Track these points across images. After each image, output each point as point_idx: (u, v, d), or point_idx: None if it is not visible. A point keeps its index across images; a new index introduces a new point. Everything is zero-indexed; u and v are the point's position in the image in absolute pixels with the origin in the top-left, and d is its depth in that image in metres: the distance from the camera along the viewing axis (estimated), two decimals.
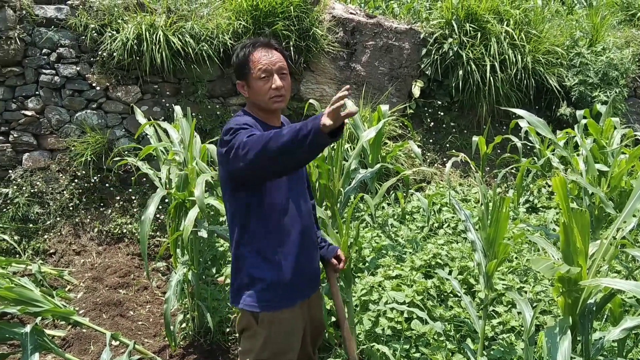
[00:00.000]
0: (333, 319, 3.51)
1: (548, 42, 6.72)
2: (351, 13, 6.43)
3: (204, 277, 4.31)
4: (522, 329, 3.24)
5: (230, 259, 4.64)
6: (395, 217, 5.12)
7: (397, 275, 3.74)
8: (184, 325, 3.91)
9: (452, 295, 3.76)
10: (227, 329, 3.88)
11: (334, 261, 2.71)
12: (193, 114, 5.32)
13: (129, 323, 4.21)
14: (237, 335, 3.82)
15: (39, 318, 3.47)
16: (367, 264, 4.01)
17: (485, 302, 3.01)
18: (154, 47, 5.42)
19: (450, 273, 3.90)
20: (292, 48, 5.84)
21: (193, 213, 3.06)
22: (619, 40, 7.05)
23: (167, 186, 4.26)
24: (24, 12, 5.52)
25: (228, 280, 4.13)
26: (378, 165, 4.17)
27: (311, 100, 4.93)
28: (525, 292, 3.74)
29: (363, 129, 4.78)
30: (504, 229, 2.83)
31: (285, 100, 2.35)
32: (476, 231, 3.11)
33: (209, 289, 4.04)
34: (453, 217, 5.05)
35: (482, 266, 3.00)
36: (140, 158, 4.05)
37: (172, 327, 3.46)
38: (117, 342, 3.77)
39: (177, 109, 3.93)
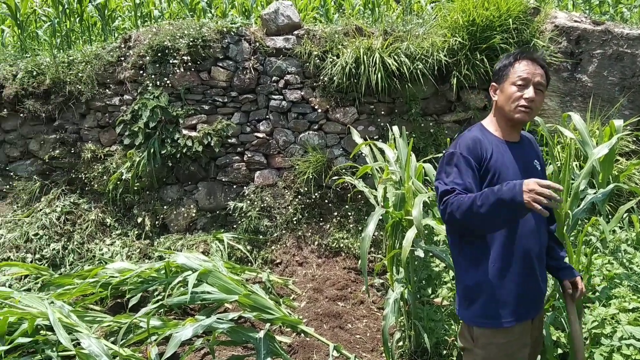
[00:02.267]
0: (559, 350, 3.28)
1: None
2: (575, 21, 5.99)
3: (419, 296, 4.32)
4: None
5: (445, 279, 4.60)
6: (629, 242, 4.61)
7: (635, 309, 3.36)
8: (400, 343, 3.96)
9: None
10: (444, 352, 3.84)
11: (568, 284, 2.54)
12: (407, 133, 5.41)
13: (347, 335, 4.39)
14: (453, 358, 3.79)
15: (268, 324, 3.80)
16: (597, 294, 3.67)
17: None
18: (370, 69, 5.63)
19: None
20: None
21: (411, 233, 3.10)
22: None
23: (383, 204, 4.39)
24: (257, 44, 6.13)
25: (445, 302, 4.11)
26: (611, 186, 3.79)
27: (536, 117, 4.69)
28: None
29: (592, 146, 4.40)
30: None
31: (531, 116, 2.35)
32: None
33: (425, 309, 4.04)
34: None
35: None
36: (357, 177, 4.22)
37: (389, 344, 3.52)
38: (338, 354, 3.96)
39: (395, 128, 4.03)
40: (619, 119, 5.11)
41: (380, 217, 3.56)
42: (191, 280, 3.18)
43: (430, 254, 3.88)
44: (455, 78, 5.73)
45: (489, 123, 2.46)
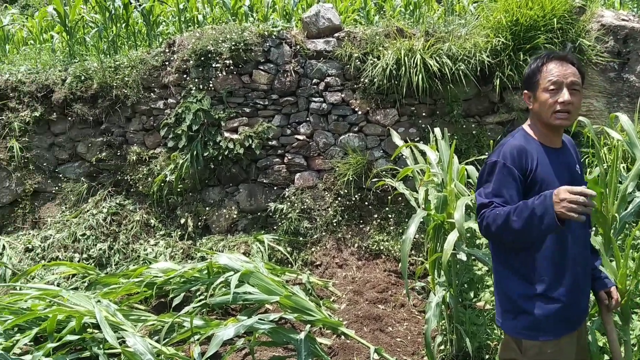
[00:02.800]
0: (606, 357, 3.19)
1: None
2: (623, 19, 5.82)
3: (461, 300, 4.27)
4: None
5: (487, 283, 4.53)
6: None
7: None
8: (442, 347, 3.92)
9: None
10: (487, 356, 3.78)
11: (603, 295, 2.46)
12: (448, 134, 5.35)
13: (388, 338, 4.36)
14: None
15: (309, 326, 3.81)
16: None
17: None
18: (411, 70, 5.60)
19: None
20: None
21: (453, 236, 3.06)
22: None
23: (424, 207, 4.35)
24: (297, 47, 6.17)
25: (488, 306, 4.05)
26: None
27: (580, 118, 4.57)
28: None
29: None
30: None
31: (572, 119, 2.26)
32: None
33: (467, 313, 3.99)
34: None
35: None
36: (398, 179, 4.20)
37: (431, 348, 3.49)
38: (379, 357, 3.94)
39: (437, 130, 3.99)
40: None
41: (422, 220, 3.53)
42: (233, 280, 3.21)
43: (473, 257, 3.82)
44: (499, 79, 5.65)
45: (530, 129, 2.36)
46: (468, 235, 4.51)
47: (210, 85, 6.13)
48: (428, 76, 5.63)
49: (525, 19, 5.53)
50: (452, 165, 3.54)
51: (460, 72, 5.58)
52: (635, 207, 3.59)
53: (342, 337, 4.27)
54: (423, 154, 5.16)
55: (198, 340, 3.95)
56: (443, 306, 3.85)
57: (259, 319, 3.07)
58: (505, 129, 5.93)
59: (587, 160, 5.47)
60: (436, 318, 3.47)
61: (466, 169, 3.69)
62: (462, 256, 3.51)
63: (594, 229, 3.82)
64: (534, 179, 2.21)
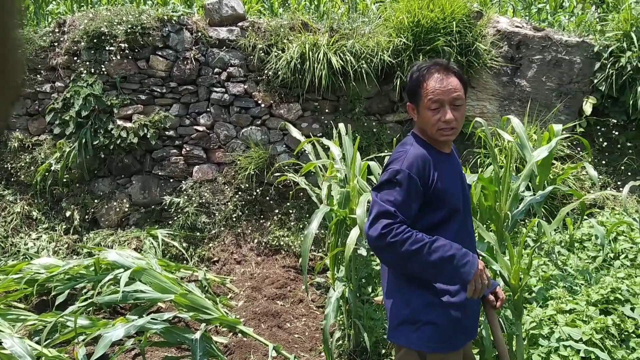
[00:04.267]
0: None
1: None
2: (517, 26, 6.12)
3: (359, 295, 4.27)
4: None
5: None
6: (563, 244, 4.73)
7: (571, 310, 3.42)
8: (340, 342, 3.89)
9: (634, 336, 3.35)
10: (383, 351, 3.79)
11: (491, 297, 2.42)
12: (352, 130, 5.36)
13: (285, 335, 4.28)
14: (392, 358, 3.75)
15: (204, 325, 3.65)
16: (534, 295, 3.72)
17: None
18: (315, 65, 5.55)
19: (632, 310, 3.49)
20: None
21: (355, 232, 3.03)
22: None
23: (326, 202, 4.31)
24: (199, 34, 5.94)
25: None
26: (550, 188, 3.87)
27: (478, 119, 4.73)
28: None
29: (529, 149, 4.49)
30: None
31: (455, 133, 2.19)
32: None
33: (365, 308, 3.99)
34: (632, 247, 4.55)
35: None
36: (301, 174, 4.13)
37: (329, 344, 3.44)
38: (276, 355, 3.85)
39: (341, 126, 3.96)
40: (556, 123, 5.25)
41: (324, 216, 3.49)
42: (123, 278, 2.97)
43: (372, 253, 3.82)
44: (399, 79, 5.74)
45: (420, 134, 2.27)
46: None
47: (103, 69, 5.75)
48: (332, 72, 5.61)
49: (426, 21, 5.66)
50: (355, 161, 3.51)
51: (363, 70, 5.62)
52: (525, 206, 3.75)
53: (239, 335, 4.14)
54: (326, 149, 5.13)
55: (83, 341, 3.67)
56: (341, 301, 3.83)
57: (152, 319, 2.87)
58: (404, 128, 6.04)
59: (479, 160, 5.69)
60: (334, 313, 3.43)
61: (369, 165, 3.68)
62: (362, 251, 3.49)
63: (485, 225, 3.97)
64: (435, 190, 2.14)
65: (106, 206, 5.80)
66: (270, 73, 5.79)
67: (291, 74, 5.64)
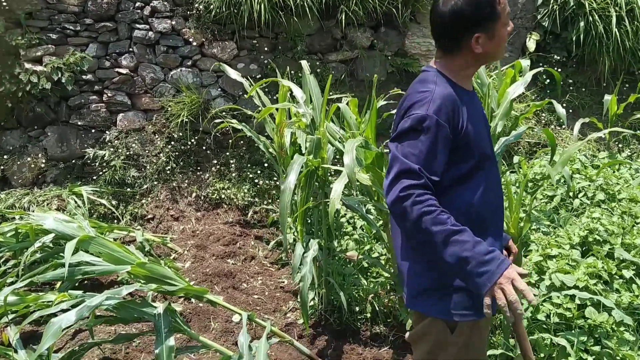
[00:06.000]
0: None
1: None
2: None
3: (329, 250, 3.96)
4: None
5: (346, 230, 4.28)
6: (518, 185, 4.63)
7: (558, 255, 3.28)
8: (311, 303, 3.58)
9: (617, 277, 3.26)
10: (357, 308, 3.53)
11: (504, 253, 2.16)
12: (292, 72, 4.92)
13: (244, 296, 3.92)
14: (367, 315, 3.49)
15: (160, 304, 3.20)
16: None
17: None
18: None
19: (612, 251, 3.41)
20: None
21: (339, 185, 2.66)
22: None
23: (282, 151, 3.90)
24: None
25: (356, 256, 3.78)
26: (524, 128, 3.67)
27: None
28: None
29: (488, 85, 4.25)
30: None
31: None
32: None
33: (334, 264, 3.69)
34: (589, 185, 4.51)
35: None
36: (259, 119, 3.67)
37: (307, 308, 3.12)
38: (239, 319, 3.49)
39: (304, 63, 3.51)
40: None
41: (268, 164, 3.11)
42: (68, 249, 2.45)
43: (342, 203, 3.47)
44: (343, 14, 5.31)
45: (450, 71, 1.88)
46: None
47: (4, 4, 4.88)
48: (271, 6, 5.09)
49: None
50: (325, 104, 3.11)
51: (305, 3, 5.12)
52: (501, 147, 3.52)
53: (193, 300, 3.73)
54: (267, 91, 4.70)
55: (11, 320, 3.14)
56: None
57: (109, 297, 2.40)
58: (349, 67, 5.66)
59: None
60: (312, 275, 3.10)
61: (338, 108, 3.29)
62: (337, 205, 3.14)
63: None
64: (465, 136, 1.80)
65: (18, 162, 5.06)
66: (201, 7, 5.17)
67: (225, 7, 5.05)
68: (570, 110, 5.97)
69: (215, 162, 5.32)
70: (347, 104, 3.51)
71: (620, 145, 5.90)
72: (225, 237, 4.75)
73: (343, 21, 5.31)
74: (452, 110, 1.79)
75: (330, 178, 3.59)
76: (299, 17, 5.24)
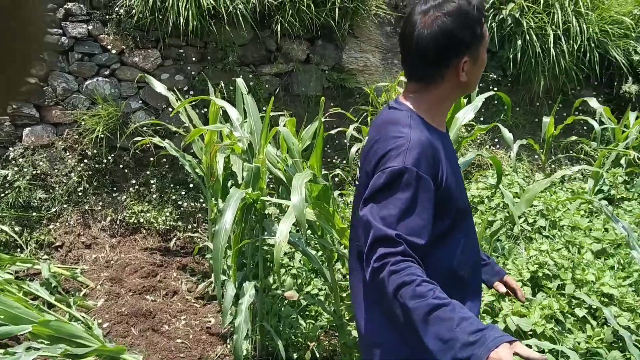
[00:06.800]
0: None
1: (614, 11, 6.00)
2: None
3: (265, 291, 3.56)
4: None
5: (282, 261, 3.91)
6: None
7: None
8: (244, 352, 3.17)
9: (569, 316, 3.07)
10: (295, 355, 3.16)
11: (501, 289, 1.87)
12: (223, 84, 4.51)
13: (165, 341, 3.44)
14: None
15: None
16: None
17: None
18: (180, 3, 4.54)
19: (563, 287, 3.22)
20: (337, 10, 5.01)
21: (286, 226, 2.28)
22: None
23: (212, 176, 3.50)
24: None
25: (296, 296, 3.41)
26: (473, 154, 3.45)
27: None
28: None
29: None
30: None
31: None
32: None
33: (269, 302, 3.30)
34: (529, 211, 4.36)
35: None
36: (187, 142, 3.24)
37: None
38: None
39: (239, 80, 3.11)
40: None
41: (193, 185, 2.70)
42: None
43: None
44: (279, 24, 4.95)
45: (426, 108, 1.57)
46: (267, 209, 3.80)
47: None
48: (200, 13, 4.65)
49: None
50: (266, 128, 2.74)
51: (238, 11, 4.73)
52: None
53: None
54: (196, 107, 4.28)
55: None
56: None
57: None
58: (284, 81, 5.30)
59: (368, 119, 5.17)
60: (247, 325, 2.70)
61: (280, 131, 2.91)
62: (271, 240, 2.78)
63: None
64: (445, 191, 1.50)
65: None
66: (122, 11, 4.65)
67: (149, 13, 4.56)
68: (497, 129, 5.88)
69: (133, 182, 4.80)
70: (285, 124, 3.16)
71: (553, 166, 5.87)
72: (143, 268, 4.26)
73: (279, 32, 4.95)
74: (432, 160, 1.48)
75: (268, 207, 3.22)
76: (231, 26, 4.82)
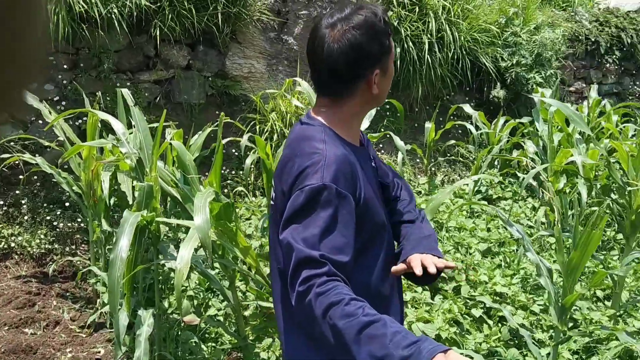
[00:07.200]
0: None
1: (482, 20, 6.38)
2: None
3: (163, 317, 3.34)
4: None
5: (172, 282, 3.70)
6: None
7: (411, 299, 3.10)
8: None
9: (466, 317, 3.18)
10: None
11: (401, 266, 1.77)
12: (98, 93, 4.22)
13: None
14: None
15: None
16: None
17: (557, 339, 2.47)
18: (48, 7, 4.17)
19: (456, 289, 3.34)
20: (219, 15, 4.86)
21: (187, 252, 2.12)
22: (547, 19, 6.92)
23: (93, 195, 3.23)
24: None
25: (196, 320, 3.24)
26: None
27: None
28: None
29: None
30: (590, 252, 2.29)
31: None
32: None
33: (166, 327, 3.11)
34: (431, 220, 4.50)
35: (553, 295, 2.45)
36: (65, 159, 2.96)
37: None
38: None
39: (125, 91, 2.88)
40: None
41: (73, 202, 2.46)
42: None
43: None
44: (158, 28, 4.71)
45: (339, 123, 1.53)
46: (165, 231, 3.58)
47: None
48: (71, 17, 4.30)
49: None
50: (158, 144, 2.56)
51: (113, 16, 4.43)
52: None
53: None
54: (69, 119, 3.97)
55: None
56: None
57: None
58: (163, 89, 5.06)
59: (257, 127, 5.08)
60: (147, 357, 2.51)
61: (171, 145, 2.73)
62: (172, 264, 2.61)
63: None
64: (363, 207, 1.46)
65: None
66: None
67: None
68: (388, 136, 6.04)
69: (1, 202, 4.34)
70: (173, 137, 3.00)
71: (433, 169, 6.12)
72: (19, 298, 3.85)
73: (157, 37, 4.70)
74: (350, 175, 1.44)
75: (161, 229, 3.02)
76: (105, 31, 4.51)
